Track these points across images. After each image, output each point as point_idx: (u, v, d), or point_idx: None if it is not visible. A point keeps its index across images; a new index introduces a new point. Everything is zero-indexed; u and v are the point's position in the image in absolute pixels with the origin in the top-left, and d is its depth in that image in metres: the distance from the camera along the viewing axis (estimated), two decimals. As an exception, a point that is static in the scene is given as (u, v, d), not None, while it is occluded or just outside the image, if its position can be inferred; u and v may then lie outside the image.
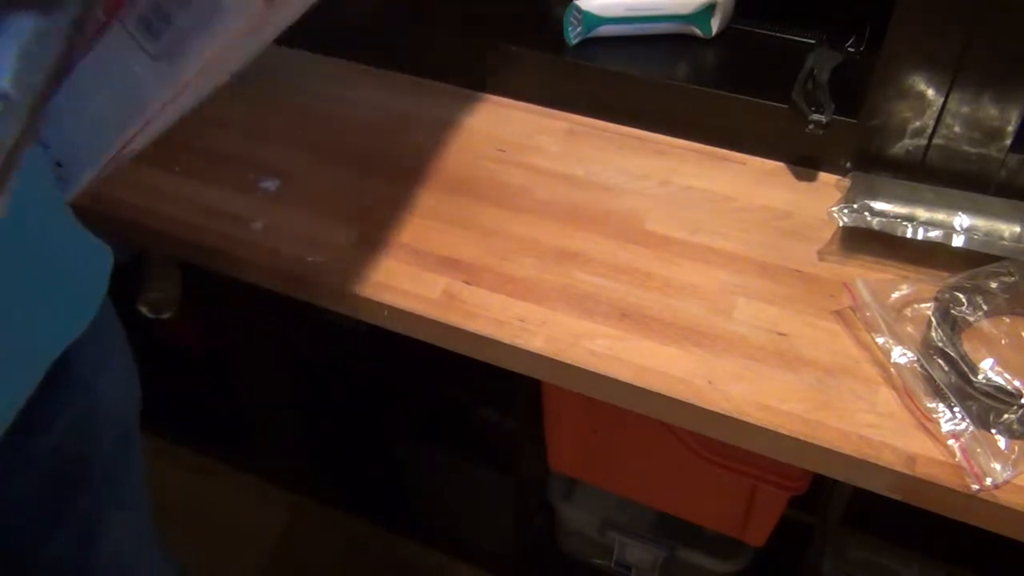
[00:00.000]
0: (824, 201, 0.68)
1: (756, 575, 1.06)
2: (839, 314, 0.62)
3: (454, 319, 0.62)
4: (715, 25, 0.79)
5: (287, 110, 0.82)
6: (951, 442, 0.53)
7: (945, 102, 0.65)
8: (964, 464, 0.52)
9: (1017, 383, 0.55)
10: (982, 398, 0.54)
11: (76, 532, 0.58)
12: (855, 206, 0.64)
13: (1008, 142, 0.65)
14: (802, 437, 0.54)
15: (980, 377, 0.55)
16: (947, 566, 0.94)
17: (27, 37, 0.32)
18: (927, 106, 0.65)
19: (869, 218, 0.64)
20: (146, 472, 0.64)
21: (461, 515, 1.26)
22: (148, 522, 0.66)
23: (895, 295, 0.61)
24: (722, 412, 0.56)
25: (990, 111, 0.64)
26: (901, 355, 0.57)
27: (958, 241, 0.62)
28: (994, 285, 0.60)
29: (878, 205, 0.64)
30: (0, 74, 0.32)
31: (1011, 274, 0.61)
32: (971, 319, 0.60)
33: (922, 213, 0.64)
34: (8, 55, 0.32)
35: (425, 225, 0.69)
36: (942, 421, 0.54)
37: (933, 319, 0.58)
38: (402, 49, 0.84)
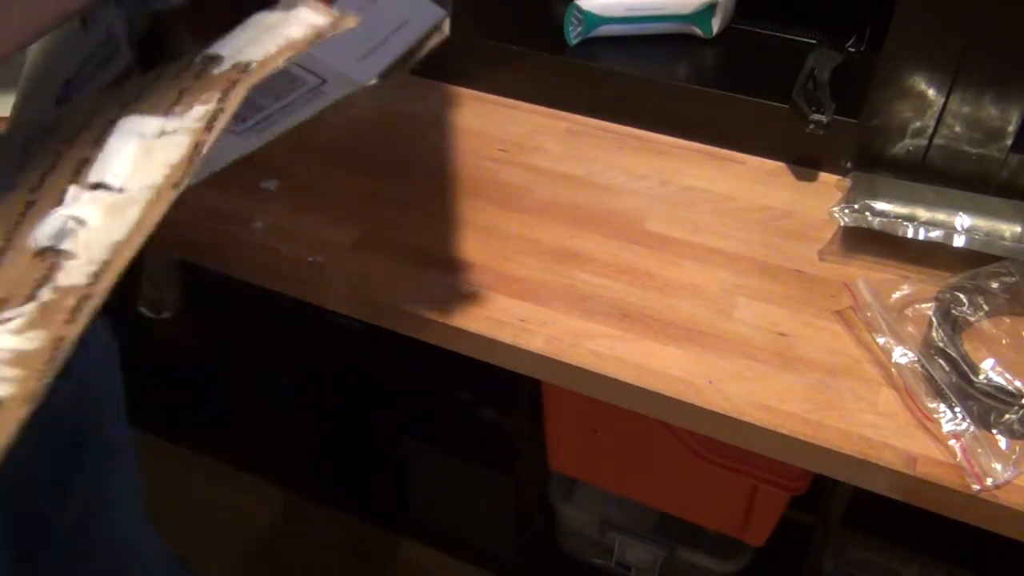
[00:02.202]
0: (824, 201, 0.68)
1: (756, 575, 1.06)
2: (840, 314, 0.62)
3: (454, 319, 0.62)
4: (716, 25, 0.79)
5: (287, 110, 0.82)
6: (952, 442, 0.53)
7: (946, 102, 0.65)
8: (965, 464, 0.52)
9: (1018, 383, 0.55)
10: (983, 398, 0.54)
11: (87, 498, 0.59)
12: (856, 206, 0.64)
13: (1009, 142, 0.65)
14: (802, 437, 0.54)
15: (981, 377, 0.55)
16: (947, 566, 0.94)
17: None
18: (928, 106, 0.65)
19: (870, 218, 0.64)
20: (138, 457, 0.65)
21: (461, 515, 1.26)
22: (144, 507, 0.67)
23: (896, 295, 0.61)
24: (722, 412, 0.56)
25: (991, 111, 0.64)
26: (902, 355, 0.57)
27: (959, 241, 0.62)
28: (995, 285, 0.60)
29: (879, 205, 0.64)
30: None
31: (1012, 274, 0.61)
32: (972, 319, 0.60)
33: (923, 213, 0.64)
34: None
35: (425, 225, 0.69)
36: (943, 421, 0.54)
37: (934, 319, 0.58)
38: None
